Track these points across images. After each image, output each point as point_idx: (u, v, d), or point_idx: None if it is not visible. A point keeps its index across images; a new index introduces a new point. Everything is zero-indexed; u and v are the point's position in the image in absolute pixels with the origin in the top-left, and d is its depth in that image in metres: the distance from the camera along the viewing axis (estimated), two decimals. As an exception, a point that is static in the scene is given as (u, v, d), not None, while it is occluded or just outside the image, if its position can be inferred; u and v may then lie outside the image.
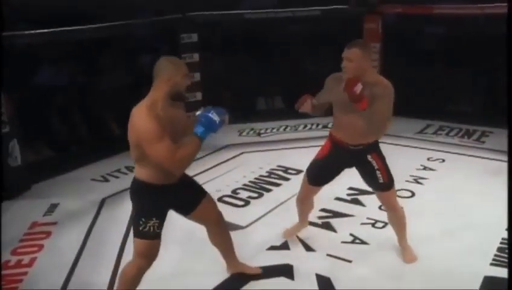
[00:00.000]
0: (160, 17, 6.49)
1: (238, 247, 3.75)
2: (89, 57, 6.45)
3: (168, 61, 2.79)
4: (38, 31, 5.30)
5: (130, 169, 5.60)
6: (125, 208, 4.60)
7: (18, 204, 4.89)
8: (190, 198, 3.04)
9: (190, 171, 5.31)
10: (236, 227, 4.05)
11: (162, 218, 2.89)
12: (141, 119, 2.60)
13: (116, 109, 6.63)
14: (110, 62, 6.79)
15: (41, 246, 4.03)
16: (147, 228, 2.82)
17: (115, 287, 3.05)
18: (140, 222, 2.82)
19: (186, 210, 3.05)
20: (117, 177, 5.46)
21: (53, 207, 4.75)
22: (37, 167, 5.51)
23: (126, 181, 5.26)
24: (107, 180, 5.38)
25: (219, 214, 3.22)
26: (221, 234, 3.27)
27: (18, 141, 5.07)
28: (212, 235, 3.26)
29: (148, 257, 2.90)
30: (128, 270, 2.93)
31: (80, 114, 6.48)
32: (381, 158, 3.46)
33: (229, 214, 4.25)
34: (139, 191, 2.85)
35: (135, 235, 2.87)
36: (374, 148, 3.45)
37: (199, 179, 5.01)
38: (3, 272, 3.67)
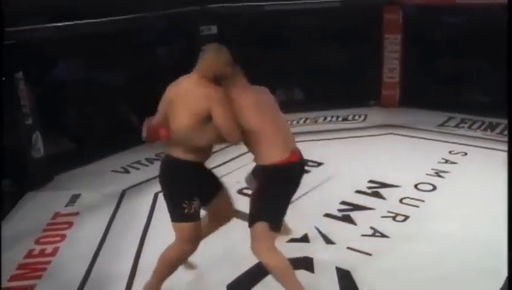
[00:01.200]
0: (179, 9, 6.50)
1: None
2: (109, 50, 6.48)
3: (213, 47, 2.92)
4: (59, 24, 5.35)
5: (150, 161, 5.65)
6: (145, 199, 4.65)
7: (41, 195, 4.97)
8: (212, 185, 3.06)
9: (210, 163, 5.35)
10: (256, 219, 4.05)
11: (200, 197, 2.87)
12: (206, 86, 2.76)
13: (135, 101, 6.67)
14: (130, 55, 6.82)
15: (63, 236, 4.10)
16: (192, 210, 2.81)
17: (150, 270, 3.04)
18: (184, 205, 2.79)
19: (206, 198, 3.02)
20: (137, 168, 5.51)
21: (75, 198, 4.82)
22: (59, 159, 5.57)
23: (146, 172, 5.33)
24: (127, 172, 5.43)
25: (232, 212, 3.26)
26: (212, 230, 3.26)
27: (40, 133, 5.14)
28: (212, 226, 3.22)
29: (194, 241, 2.90)
30: (173, 255, 2.92)
31: (101, 107, 6.53)
32: (260, 185, 2.86)
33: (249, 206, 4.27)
34: (177, 170, 2.81)
35: (179, 220, 2.82)
36: (262, 175, 2.87)
37: (219, 171, 5.05)
38: (28, 260, 3.76)
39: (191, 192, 2.82)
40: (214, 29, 6.75)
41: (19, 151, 5.05)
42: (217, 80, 2.84)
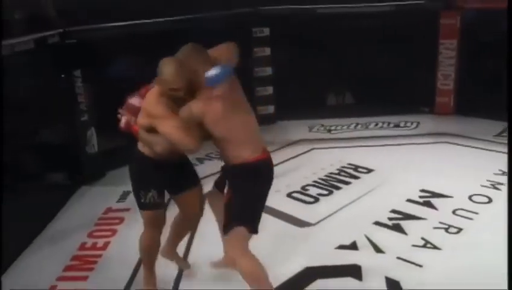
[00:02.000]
0: (232, 11, 6.54)
1: (307, 244, 3.75)
2: (164, 50, 6.58)
3: (173, 60, 2.78)
4: (115, 24, 5.49)
5: (201, 160, 5.69)
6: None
7: (94, 190, 5.11)
8: (182, 180, 3.14)
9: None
10: (305, 224, 4.02)
11: (159, 189, 3.04)
12: (152, 102, 2.78)
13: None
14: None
15: (114, 231, 4.20)
16: (147, 200, 3.02)
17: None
18: (140, 195, 3.03)
19: (174, 190, 3.18)
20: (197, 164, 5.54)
21: (126, 194, 4.89)
22: (112, 155, 5.68)
23: (199, 171, 5.33)
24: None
25: (198, 211, 3.26)
26: (187, 227, 3.39)
27: (95, 129, 5.27)
28: (180, 222, 3.32)
29: (156, 225, 3.13)
30: (143, 241, 3.20)
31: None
32: (233, 190, 2.80)
33: (298, 210, 4.26)
34: (140, 163, 3.01)
35: (139, 208, 3.10)
36: (232, 174, 2.83)
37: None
38: (81, 252, 3.88)
39: (147, 184, 3.00)
40: (266, 32, 6.76)
41: (74, 146, 5.21)
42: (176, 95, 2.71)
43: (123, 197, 4.87)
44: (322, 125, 6.77)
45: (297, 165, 5.39)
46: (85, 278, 3.54)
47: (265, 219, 4.02)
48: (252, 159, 2.72)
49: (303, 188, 4.80)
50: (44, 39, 4.68)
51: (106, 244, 3.99)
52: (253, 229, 2.75)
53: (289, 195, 4.58)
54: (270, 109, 6.89)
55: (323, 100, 7.61)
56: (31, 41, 4.42)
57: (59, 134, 5.32)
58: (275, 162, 5.19)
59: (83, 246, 3.96)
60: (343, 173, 5.15)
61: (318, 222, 4.12)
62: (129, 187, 4.90)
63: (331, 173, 5.15)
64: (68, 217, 4.54)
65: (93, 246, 3.97)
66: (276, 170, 5.02)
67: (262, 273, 2.76)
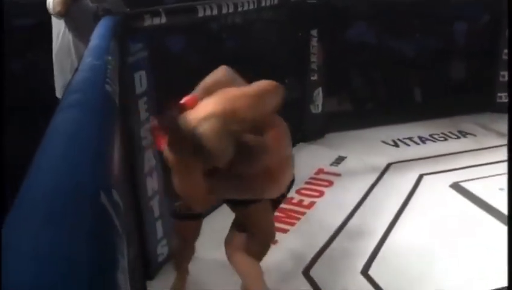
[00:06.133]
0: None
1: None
2: (405, 19, 6.29)
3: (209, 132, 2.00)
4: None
5: (423, 140, 5.39)
6: (409, 178, 4.46)
7: (311, 148, 5.21)
8: None
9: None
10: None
11: None
12: None
13: (421, 75, 6.40)
14: (421, 26, 6.51)
15: (322, 193, 4.23)
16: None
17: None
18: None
19: None
20: (407, 144, 5.30)
21: (340, 159, 4.91)
22: (334, 118, 5.71)
23: (416, 150, 5.13)
24: (396, 146, 5.28)
25: None
26: None
27: (322, 90, 5.33)
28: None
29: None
30: None
31: (384, 74, 6.45)
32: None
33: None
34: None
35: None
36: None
37: (480, 171, 4.46)
38: (287, 206, 3.91)
39: None
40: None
41: (299, 103, 5.35)
42: None
43: (337, 161, 4.88)
44: None
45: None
46: (285, 231, 3.63)
47: (482, 217, 3.62)
48: None
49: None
50: (289, -3, 4.83)
51: (311, 204, 4.04)
52: None
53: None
54: (513, 97, 6.12)
55: None
56: (277, -3, 4.58)
57: (287, 89, 5.51)
58: (492, 159, 4.66)
59: (289, 201, 4.02)
60: None
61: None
62: (345, 152, 5.01)
63: None
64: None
65: (299, 203, 4.05)
66: (494, 169, 4.46)
67: (260, 271, 2.54)
